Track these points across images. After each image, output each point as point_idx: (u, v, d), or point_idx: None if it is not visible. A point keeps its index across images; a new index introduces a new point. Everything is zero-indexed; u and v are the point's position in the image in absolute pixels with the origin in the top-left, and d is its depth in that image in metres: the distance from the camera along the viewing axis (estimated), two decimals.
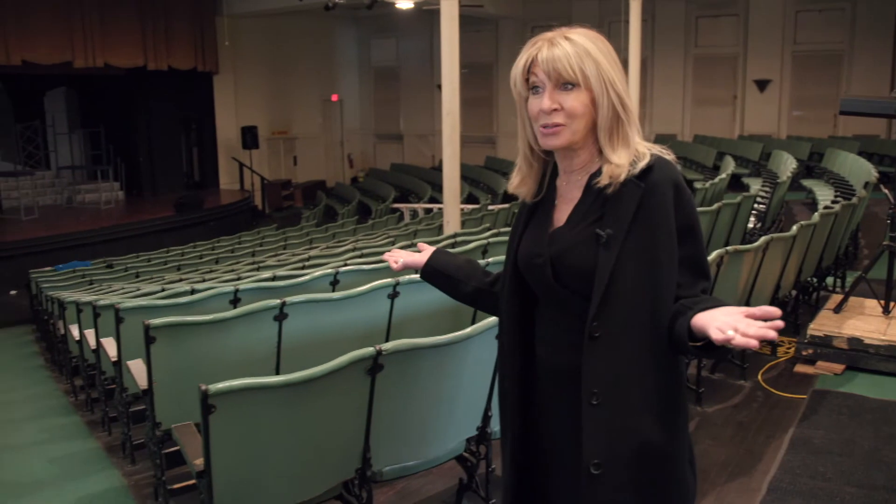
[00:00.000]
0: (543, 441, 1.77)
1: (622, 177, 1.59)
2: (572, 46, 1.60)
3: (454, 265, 2.06)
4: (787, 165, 11.39)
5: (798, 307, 5.89)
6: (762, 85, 17.30)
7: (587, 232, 1.62)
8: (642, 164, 1.60)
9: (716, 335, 1.38)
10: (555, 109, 1.61)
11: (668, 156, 1.65)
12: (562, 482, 1.74)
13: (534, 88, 1.64)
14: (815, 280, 6.37)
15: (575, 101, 1.60)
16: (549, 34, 1.64)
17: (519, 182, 1.78)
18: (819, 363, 4.89)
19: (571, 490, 1.69)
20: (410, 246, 6.87)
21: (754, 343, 1.34)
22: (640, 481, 1.60)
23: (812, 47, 16.71)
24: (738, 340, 1.34)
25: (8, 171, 16.61)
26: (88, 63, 15.85)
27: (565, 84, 1.60)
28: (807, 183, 12.27)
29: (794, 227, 5.17)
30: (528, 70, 1.64)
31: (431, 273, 2.09)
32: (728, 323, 1.38)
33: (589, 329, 1.58)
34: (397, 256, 2.17)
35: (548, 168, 1.76)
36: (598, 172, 1.63)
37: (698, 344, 1.49)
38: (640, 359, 1.59)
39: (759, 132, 17.16)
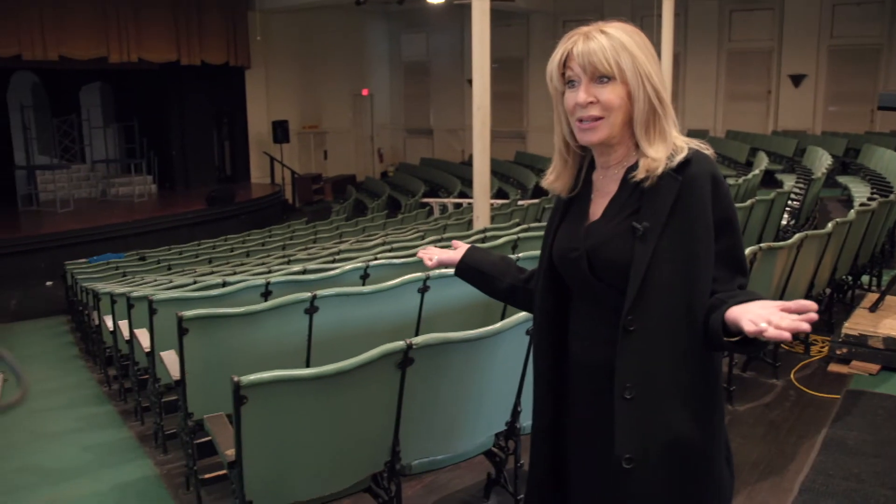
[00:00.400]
0: (574, 436, 1.77)
1: (659, 170, 1.58)
2: (608, 40, 1.59)
3: (489, 262, 2.06)
4: (822, 162, 11.22)
5: (832, 306, 5.80)
6: (797, 80, 17.03)
7: (624, 225, 1.61)
8: (680, 158, 1.59)
9: (748, 327, 1.37)
10: (591, 102, 1.60)
11: (707, 150, 1.64)
12: (590, 478, 1.74)
13: (570, 83, 1.64)
14: (850, 278, 6.27)
15: (611, 94, 1.59)
16: (584, 28, 1.63)
17: (554, 178, 1.77)
18: (854, 363, 4.81)
19: (599, 486, 1.69)
20: (440, 241, 6.87)
21: (787, 335, 1.33)
22: (673, 477, 1.59)
23: (849, 41, 16.40)
24: (771, 333, 1.34)
25: (45, 164, 16.91)
26: (123, 58, 16.07)
27: (601, 77, 1.60)
28: (842, 179, 12.07)
29: (830, 225, 5.08)
30: (564, 64, 1.64)
31: (466, 270, 2.09)
32: (762, 315, 1.37)
33: (623, 322, 1.58)
34: (431, 253, 2.18)
35: (583, 163, 1.76)
36: (635, 166, 1.62)
37: (733, 339, 1.48)
38: (674, 353, 1.58)
39: (793, 128, 16.91)
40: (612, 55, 1.58)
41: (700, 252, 1.57)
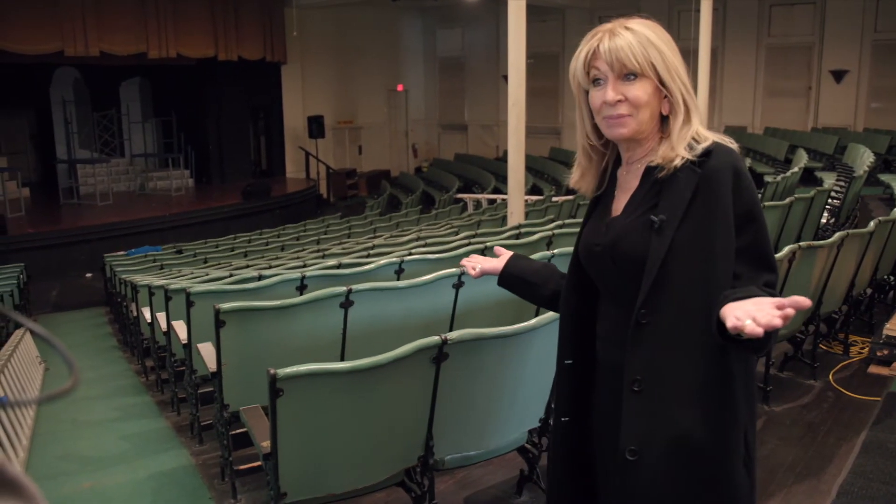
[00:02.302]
0: (596, 433, 1.77)
1: (676, 161, 1.56)
2: (633, 36, 1.58)
3: (531, 270, 2.03)
4: (863, 159, 11.01)
5: (873, 306, 5.69)
6: (839, 76, 16.72)
7: (642, 219, 1.59)
8: (700, 149, 1.56)
9: (730, 322, 1.33)
10: (619, 100, 1.58)
11: (731, 144, 1.61)
12: (610, 473, 1.73)
13: (595, 81, 1.62)
14: (892, 279, 6.14)
15: (639, 90, 1.58)
16: (608, 25, 1.62)
17: (579, 176, 1.76)
18: (895, 365, 4.72)
19: (617, 481, 1.68)
20: (474, 237, 6.87)
21: (760, 331, 1.29)
22: (678, 475, 1.57)
23: (893, 36, 16.01)
24: (750, 328, 1.30)
25: (85, 158, 17.20)
26: (162, 54, 16.28)
27: (627, 75, 1.58)
28: (884, 178, 11.82)
29: (871, 224, 4.99)
30: (589, 63, 1.62)
31: (508, 278, 2.06)
32: (749, 311, 1.32)
33: (636, 315, 1.56)
34: (475, 262, 2.14)
35: (608, 161, 1.75)
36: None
37: (726, 336, 1.42)
38: (687, 350, 1.55)
39: (834, 124, 16.59)
40: (640, 51, 1.56)
41: (718, 247, 1.53)
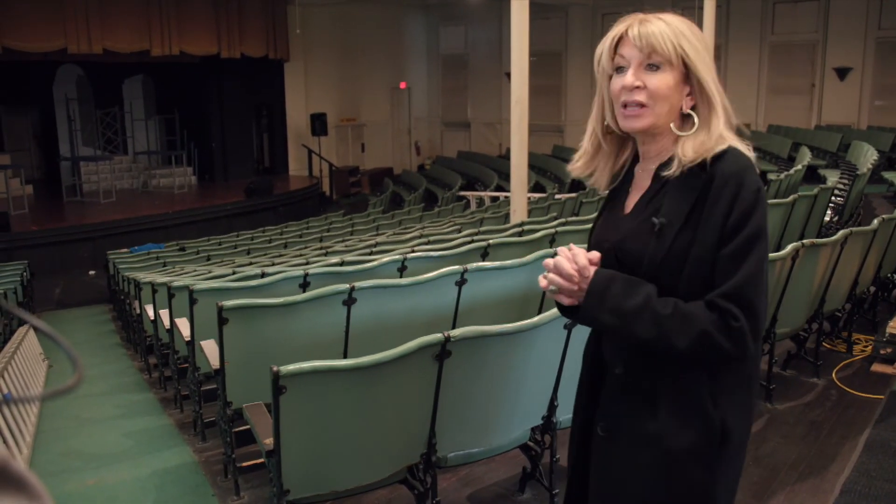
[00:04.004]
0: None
1: (692, 163, 1.54)
2: (667, 26, 1.55)
3: None
4: (867, 157, 10.99)
5: (876, 304, 5.68)
6: (842, 73, 16.68)
7: (647, 221, 1.59)
8: (712, 153, 1.53)
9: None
10: (637, 87, 1.55)
11: (748, 152, 1.57)
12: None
13: (619, 69, 1.60)
14: (895, 276, 6.13)
15: (660, 81, 1.55)
16: (640, 14, 1.59)
17: (583, 164, 1.73)
18: None
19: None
20: (477, 234, 6.86)
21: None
22: (638, 458, 1.61)
23: None
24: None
25: (88, 155, 17.23)
26: (165, 51, 16.29)
27: (651, 65, 1.55)
28: (888, 175, 11.82)
29: (875, 222, 4.98)
30: (615, 48, 1.59)
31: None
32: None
33: None
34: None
35: (628, 157, 1.73)
36: (669, 161, 1.59)
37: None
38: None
39: (837, 122, 16.56)
40: (673, 39, 1.54)
41: (705, 254, 1.52)
